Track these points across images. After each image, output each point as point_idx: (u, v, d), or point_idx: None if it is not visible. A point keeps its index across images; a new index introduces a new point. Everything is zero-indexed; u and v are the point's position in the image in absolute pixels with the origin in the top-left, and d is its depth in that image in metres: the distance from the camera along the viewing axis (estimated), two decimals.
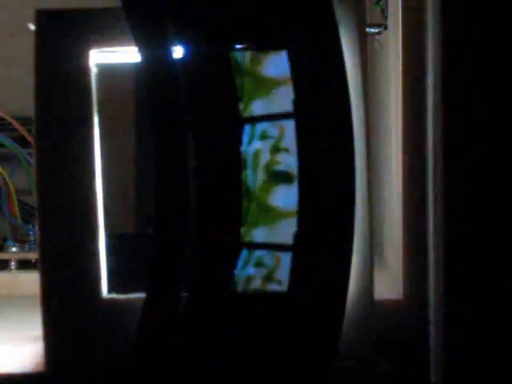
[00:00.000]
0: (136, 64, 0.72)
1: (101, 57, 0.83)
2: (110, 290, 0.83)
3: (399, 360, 0.86)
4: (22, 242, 1.25)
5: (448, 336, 0.79)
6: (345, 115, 0.71)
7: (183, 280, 0.71)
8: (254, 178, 0.72)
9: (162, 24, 0.71)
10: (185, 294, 0.71)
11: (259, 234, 0.72)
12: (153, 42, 0.71)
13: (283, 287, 0.73)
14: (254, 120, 0.72)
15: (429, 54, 0.84)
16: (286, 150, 0.72)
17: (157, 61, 0.71)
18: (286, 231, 0.72)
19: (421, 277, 0.88)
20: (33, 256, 1.21)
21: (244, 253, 0.72)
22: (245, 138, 0.72)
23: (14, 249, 1.25)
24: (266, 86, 0.73)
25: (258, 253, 0.72)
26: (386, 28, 1.05)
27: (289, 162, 0.72)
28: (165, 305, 0.71)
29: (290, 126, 0.72)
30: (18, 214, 1.25)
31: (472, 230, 0.78)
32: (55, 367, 0.82)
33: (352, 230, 0.72)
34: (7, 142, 1.24)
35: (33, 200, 1.19)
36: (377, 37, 1.09)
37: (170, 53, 0.71)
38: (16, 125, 1.23)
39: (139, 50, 0.71)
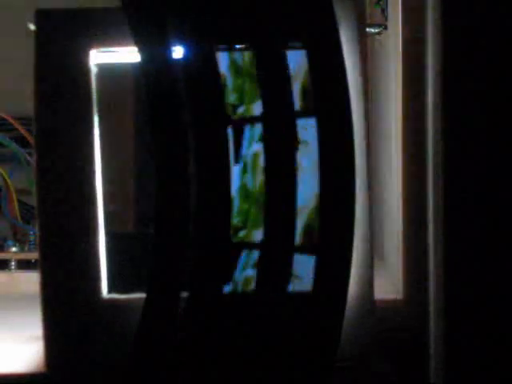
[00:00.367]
0: (136, 64, 0.72)
1: (101, 57, 0.83)
2: (109, 290, 0.83)
3: (399, 360, 0.86)
4: (21, 242, 1.25)
5: (448, 336, 0.79)
6: (345, 115, 0.71)
7: (183, 280, 0.71)
8: (254, 179, 0.72)
9: (162, 24, 0.71)
10: (185, 294, 0.71)
11: (259, 235, 0.72)
12: (153, 42, 0.71)
13: (283, 288, 0.73)
14: (254, 121, 0.72)
15: (429, 54, 0.84)
16: None
17: (157, 61, 0.71)
18: None
19: (421, 277, 0.88)
20: (33, 256, 1.21)
21: (244, 254, 0.72)
22: (244, 140, 0.72)
23: (14, 249, 1.25)
24: None
25: (258, 254, 0.72)
26: (386, 28, 1.05)
27: None
28: (165, 305, 0.71)
29: None
30: (17, 214, 1.25)
31: (472, 230, 0.78)
32: (55, 367, 0.82)
33: (352, 230, 0.72)
34: (7, 142, 1.24)
35: (33, 200, 1.19)
36: (377, 37, 1.09)
37: (169, 53, 0.71)
38: (16, 125, 1.23)
39: (139, 50, 0.71)
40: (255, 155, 0.72)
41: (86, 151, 0.82)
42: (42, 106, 0.82)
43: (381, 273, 1.00)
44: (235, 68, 0.73)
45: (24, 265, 1.23)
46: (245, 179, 0.73)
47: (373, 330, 0.82)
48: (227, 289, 0.72)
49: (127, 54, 0.82)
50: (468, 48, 0.78)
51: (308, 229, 0.72)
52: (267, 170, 0.71)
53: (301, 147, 0.72)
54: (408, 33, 0.93)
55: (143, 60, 0.71)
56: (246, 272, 0.72)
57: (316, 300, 0.71)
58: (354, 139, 0.71)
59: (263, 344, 0.72)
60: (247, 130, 0.73)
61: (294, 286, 0.72)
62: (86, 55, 0.82)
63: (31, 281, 1.07)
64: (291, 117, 0.72)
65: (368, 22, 1.08)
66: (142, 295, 0.71)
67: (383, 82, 1.08)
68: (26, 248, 1.24)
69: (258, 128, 0.72)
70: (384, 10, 1.05)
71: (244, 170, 0.73)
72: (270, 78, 0.72)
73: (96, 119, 0.83)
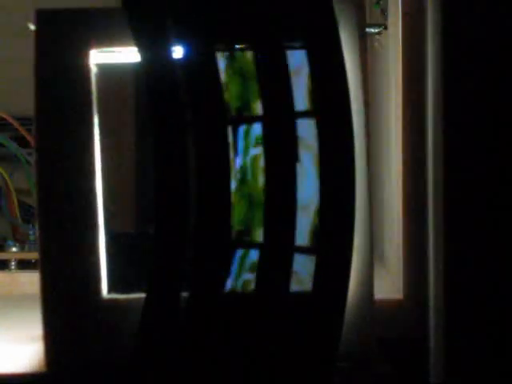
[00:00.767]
0: (136, 64, 0.72)
1: (101, 57, 0.83)
2: (109, 290, 0.83)
3: (399, 360, 0.86)
4: (21, 242, 1.25)
5: (448, 336, 0.79)
6: (344, 115, 0.71)
7: (183, 280, 0.71)
8: (254, 181, 0.72)
9: (162, 24, 0.71)
10: (185, 294, 0.71)
11: (260, 236, 0.72)
12: (153, 41, 0.71)
13: (283, 288, 0.73)
14: (254, 121, 0.72)
15: (429, 54, 0.84)
16: None
17: (157, 61, 0.71)
18: None
19: (421, 277, 0.88)
20: (33, 256, 1.21)
21: (244, 254, 0.72)
22: (241, 144, 0.72)
23: (14, 249, 1.25)
24: None
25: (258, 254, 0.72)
26: (386, 28, 1.05)
27: None
28: (165, 305, 0.71)
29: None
30: (18, 214, 1.25)
31: (472, 230, 0.78)
32: (55, 367, 0.82)
33: (352, 230, 0.72)
34: (7, 142, 1.24)
35: (33, 200, 1.19)
36: (377, 37, 1.09)
37: (169, 53, 0.71)
38: (16, 125, 1.23)
39: (139, 50, 0.71)
40: (255, 156, 0.72)
41: (86, 151, 0.82)
42: (41, 106, 0.82)
43: (381, 273, 1.00)
44: (235, 68, 0.73)
45: (24, 265, 1.23)
46: (245, 179, 0.73)
47: (373, 330, 0.82)
48: (227, 289, 0.72)
49: (127, 54, 0.82)
50: (468, 48, 0.78)
51: (316, 229, 0.72)
52: (267, 169, 0.71)
53: (302, 147, 0.72)
54: (408, 33, 0.93)
55: (143, 60, 0.71)
56: (245, 272, 0.72)
57: (316, 300, 0.71)
58: (353, 139, 0.71)
59: (263, 344, 0.72)
60: (248, 129, 0.73)
61: (294, 286, 0.72)
62: (86, 55, 0.82)
63: (31, 281, 1.07)
64: (291, 117, 0.72)
65: (368, 22, 1.08)
66: (142, 295, 0.71)
67: (383, 82, 1.08)
68: (26, 248, 1.24)
69: (254, 131, 0.72)
70: (384, 10, 1.05)
71: (244, 170, 0.73)
72: (270, 77, 0.72)
73: (96, 119, 0.83)
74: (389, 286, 0.98)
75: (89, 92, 0.82)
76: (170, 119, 0.71)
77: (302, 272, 0.72)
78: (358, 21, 0.81)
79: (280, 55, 0.71)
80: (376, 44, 1.11)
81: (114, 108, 0.87)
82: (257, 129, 0.72)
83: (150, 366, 0.71)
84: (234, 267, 0.72)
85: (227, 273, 0.72)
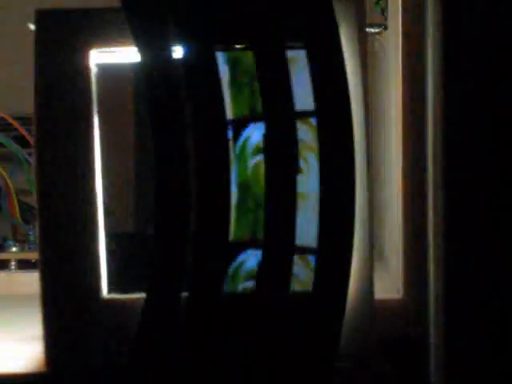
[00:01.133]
0: (136, 64, 0.72)
1: (101, 57, 0.83)
2: (109, 290, 0.83)
3: (399, 360, 0.86)
4: (22, 241, 1.25)
5: (448, 336, 0.79)
6: (344, 115, 0.71)
7: (183, 280, 0.71)
8: (256, 184, 0.72)
9: (163, 24, 0.71)
10: (185, 294, 0.71)
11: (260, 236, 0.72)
12: (153, 41, 0.71)
13: (283, 288, 0.73)
14: (254, 121, 0.72)
15: (429, 54, 0.84)
16: None
17: (156, 61, 0.71)
18: None
19: (421, 277, 0.88)
20: (33, 256, 1.21)
21: (244, 254, 0.72)
22: (243, 140, 0.72)
23: (14, 249, 1.25)
24: None
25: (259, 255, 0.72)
26: (386, 28, 1.05)
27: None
28: (165, 305, 0.71)
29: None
30: (18, 214, 1.25)
31: (472, 230, 0.78)
32: (55, 367, 0.82)
33: (352, 230, 0.72)
34: (7, 142, 1.24)
35: (33, 200, 1.19)
36: (377, 37, 1.09)
37: (169, 53, 0.71)
38: (16, 125, 1.23)
39: (139, 50, 0.71)
40: (256, 163, 0.72)
41: (86, 151, 0.82)
42: (41, 105, 0.82)
43: (381, 273, 1.00)
44: (236, 68, 0.73)
45: (24, 265, 1.23)
46: (244, 178, 0.73)
47: (373, 330, 0.82)
48: (227, 289, 0.72)
49: (127, 54, 0.82)
50: (468, 48, 0.78)
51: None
52: (267, 170, 0.71)
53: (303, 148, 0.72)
54: (408, 33, 0.93)
55: (143, 60, 0.71)
56: (245, 274, 0.72)
57: (316, 300, 0.71)
58: (354, 139, 0.71)
59: (263, 344, 0.72)
60: (248, 133, 0.73)
61: (294, 286, 0.72)
62: (86, 55, 0.82)
63: (31, 281, 1.07)
64: (291, 117, 0.72)
65: (368, 22, 1.08)
66: (142, 295, 0.71)
67: (383, 82, 1.08)
68: (26, 248, 1.24)
69: (258, 134, 0.72)
70: (384, 10, 1.05)
71: (243, 170, 0.73)
72: (270, 78, 0.72)
73: (96, 119, 0.83)
74: (389, 286, 0.98)
75: (89, 92, 0.82)
76: (170, 119, 0.71)
77: (302, 272, 0.72)
78: (358, 21, 0.81)
79: (280, 55, 0.71)
80: (376, 44, 1.11)
81: (114, 108, 0.87)
82: (257, 134, 0.72)
83: (149, 366, 0.71)
84: (234, 268, 0.72)
85: (227, 273, 0.72)
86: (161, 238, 0.71)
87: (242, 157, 0.72)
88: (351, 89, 0.72)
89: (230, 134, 0.72)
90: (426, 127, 0.85)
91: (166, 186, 0.71)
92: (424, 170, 0.85)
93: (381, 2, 1.06)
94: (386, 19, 1.05)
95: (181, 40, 0.71)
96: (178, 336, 0.71)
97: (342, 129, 0.71)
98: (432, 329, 0.83)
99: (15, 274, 1.22)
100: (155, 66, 0.71)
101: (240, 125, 0.72)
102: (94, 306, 0.82)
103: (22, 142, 1.24)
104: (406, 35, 0.93)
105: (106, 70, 0.83)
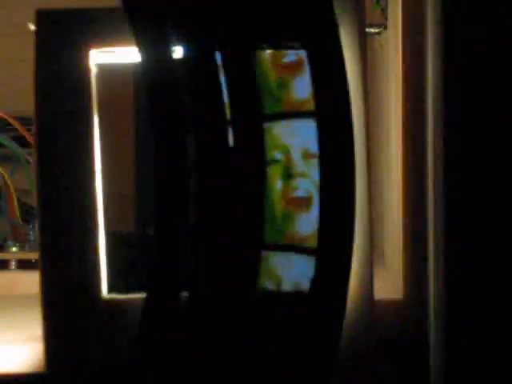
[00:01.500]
0: (136, 64, 0.72)
1: (101, 57, 0.83)
2: (110, 290, 0.83)
3: (399, 360, 0.86)
4: (22, 241, 1.25)
5: (448, 336, 0.79)
6: (344, 115, 0.71)
7: (183, 280, 0.71)
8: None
9: (162, 24, 0.71)
10: (185, 294, 0.71)
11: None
12: (153, 41, 0.71)
13: (282, 288, 0.73)
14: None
15: (429, 54, 0.84)
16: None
17: (157, 61, 0.71)
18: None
19: (421, 277, 0.88)
20: (33, 256, 1.21)
21: (243, 254, 0.72)
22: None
23: (14, 249, 1.25)
24: None
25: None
26: (385, 28, 1.05)
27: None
28: (165, 305, 0.71)
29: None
30: (18, 214, 1.25)
31: (472, 230, 0.78)
32: (55, 367, 0.82)
33: (352, 230, 0.72)
34: (7, 142, 1.24)
35: (33, 200, 1.19)
36: (377, 37, 1.09)
37: (169, 53, 0.71)
38: (16, 125, 1.23)
39: (139, 50, 0.71)
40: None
41: (86, 151, 0.82)
42: (42, 105, 0.82)
43: (381, 273, 1.00)
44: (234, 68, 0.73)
45: (24, 265, 1.23)
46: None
47: (373, 330, 0.82)
48: (226, 288, 0.72)
49: (127, 54, 0.82)
50: (468, 48, 0.78)
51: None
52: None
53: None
54: (408, 33, 0.93)
55: (143, 60, 0.71)
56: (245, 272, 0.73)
57: (316, 300, 0.71)
58: (353, 139, 0.71)
59: (263, 344, 0.72)
60: None
61: (294, 286, 0.72)
62: (86, 55, 0.82)
63: (31, 281, 1.07)
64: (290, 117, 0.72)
65: (368, 22, 1.08)
66: (142, 295, 0.71)
67: (383, 82, 1.08)
68: (26, 248, 1.24)
69: None
70: (384, 10, 1.05)
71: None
72: (270, 78, 0.72)
73: (96, 119, 0.83)
74: (389, 286, 0.98)
75: (89, 92, 0.82)
76: (170, 119, 0.71)
77: (302, 272, 0.72)
78: (358, 21, 0.81)
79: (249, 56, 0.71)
80: (376, 44, 1.11)
81: (114, 108, 0.87)
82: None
83: (150, 365, 0.71)
84: (234, 268, 0.72)
85: (228, 273, 0.72)
86: (160, 237, 0.71)
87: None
88: (351, 89, 0.72)
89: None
90: (426, 127, 0.85)
91: (166, 185, 0.71)
92: (424, 169, 0.85)
93: (381, 2, 1.06)
94: (386, 19, 1.05)
95: (181, 40, 0.71)
96: (178, 336, 0.71)
97: (342, 129, 0.71)
98: (432, 329, 0.83)
99: (15, 274, 1.22)
100: (155, 66, 0.71)
101: (240, 123, 0.72)
102: (94, 306, 0.82)
103: (21, 142, 1.24)
104: (406, 35, 0.93)
105: (106, 70, 0.83)
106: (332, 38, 0.71)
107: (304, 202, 0.72)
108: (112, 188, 0.85)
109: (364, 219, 0.80)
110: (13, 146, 1.24)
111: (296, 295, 0.72)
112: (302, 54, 0.71)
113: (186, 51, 0.71)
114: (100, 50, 0.82)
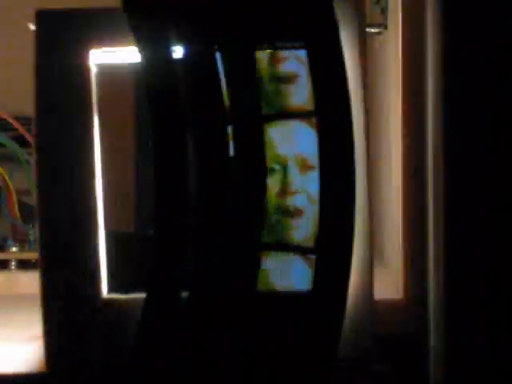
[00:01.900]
0: (136, 64, 0.72)
1: (101, 57, 0.83)
2: (109, 290, 0.83)
3: (399, 360, 0.86)
4: (21, 241, 1.25)
5: (448, 336, 0.79)
6: (344, 115, 0.71)
7: (183, 280, 0.71)
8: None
9: (162, 24, 0.71)
10: (185, 294, 0.71)
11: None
12: (153, 41, 0.71)
13: (282, 288, 0.73)
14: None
15: (429, 54, 0.84)
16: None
17: (157, 61, 0.71)
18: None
19: (421, 277, 0.88)
20: (33, 256, 1.21)
21: (243, 254, 0.72)
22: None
23: (14, 249, 1.25)
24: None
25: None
26: (386, 28, 1.05)
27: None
28: (165, 305, 0.71)
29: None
30: (18, 214, 1.25)
31: (472, 230, 0.78)
32: (55, 367, 0.82)
33: (352, 230, 0.72)
34: (7, 142, 1.24)
35: (33, 200, 1.19)
36: (377, 37, 1.09)
37: (169, 53, 0.71)
38: (16, 125, 1.23)
39: (139, 50, 0.71)
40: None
41: (86, 151, 0.82)
42: (41, 106, 0.82)
43: (381, 273, 1.00)
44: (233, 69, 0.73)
45: (24, 265, 1.23)
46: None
47: (373, 330, 0.82)
48: (226, 288, 0.72)
49: (127, 54, 0.82)
50: (468, 48, 0.78)
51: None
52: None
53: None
54: (408, 33, 0.93)
55: (143, 60, 0.71)
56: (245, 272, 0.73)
57: (316, 300, 0.71)
58: (353, 139, 0.71)
59: (263, 344, 0.72)
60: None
61: (294, 287, 0.72)
62: (86, 55, 0.82)
63: (31, 281, 1.07)
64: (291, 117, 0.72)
65: (368, 22, 1.08)
66: (142, 295, 0.71)
67: (383, 82, 1.08)
68: (26, 248, 1.24)
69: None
70: (384, 10, 1.05)
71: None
72: (271, 78, 0.72)
73: (96, 119, 0.83)
74: (389, 286, 0.98)
75: (89, 92, 0.82)
76: (170, 119, 0.71)
77: (302, 272, 0.72)
78: (358, 21, 0.81)
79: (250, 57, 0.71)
80: (376, 44, 1.11)
81: (114, 108, 0.87)
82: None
83: (150, 365, 0.71)
84: (234, 268, 0.72)
85: (228, 273, 0.72)
86: (161, 237, 0.71)
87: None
88: (351, 89, 0.72)
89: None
90: (426, 127, 0.85)
91: (166, 185, 0.71)
92: (424, 169, 0.85)
93: (381, 2, 1.06)
94: (386, 19, 1.05)
95: (181, 40, 0.71)
96: (178, 336, 0.71)
97: (342, 129, 0.71)
98: (432, 329, 0.83)
99: (15, 274, 1.22)
100: (155, 66, 0.71)
101: (240, 124, 0.72)
102: (94, 306, 0.82)
103: (21, 141, 1.24)
104: (406, 35, 0.93)
105: (106, 70, 0.83)
106: (332, 37, 0.71)
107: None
108: (112, 188, 0.85)
109: (364, 219, 0.80)
110: (13, 146, 1.24)
111: (296, 295, 0.72)
112: (302, 56, 0.71)
113: (186, 51, 0.71)
114: (100, 50, 0.82)
